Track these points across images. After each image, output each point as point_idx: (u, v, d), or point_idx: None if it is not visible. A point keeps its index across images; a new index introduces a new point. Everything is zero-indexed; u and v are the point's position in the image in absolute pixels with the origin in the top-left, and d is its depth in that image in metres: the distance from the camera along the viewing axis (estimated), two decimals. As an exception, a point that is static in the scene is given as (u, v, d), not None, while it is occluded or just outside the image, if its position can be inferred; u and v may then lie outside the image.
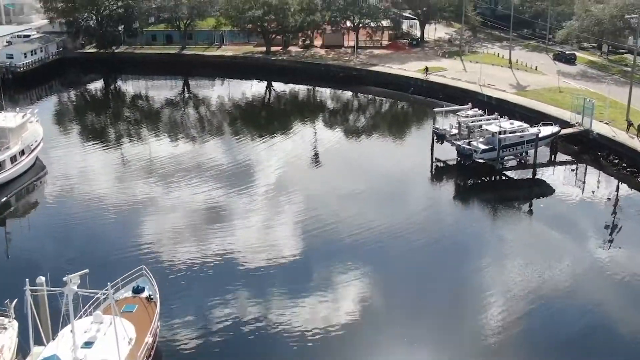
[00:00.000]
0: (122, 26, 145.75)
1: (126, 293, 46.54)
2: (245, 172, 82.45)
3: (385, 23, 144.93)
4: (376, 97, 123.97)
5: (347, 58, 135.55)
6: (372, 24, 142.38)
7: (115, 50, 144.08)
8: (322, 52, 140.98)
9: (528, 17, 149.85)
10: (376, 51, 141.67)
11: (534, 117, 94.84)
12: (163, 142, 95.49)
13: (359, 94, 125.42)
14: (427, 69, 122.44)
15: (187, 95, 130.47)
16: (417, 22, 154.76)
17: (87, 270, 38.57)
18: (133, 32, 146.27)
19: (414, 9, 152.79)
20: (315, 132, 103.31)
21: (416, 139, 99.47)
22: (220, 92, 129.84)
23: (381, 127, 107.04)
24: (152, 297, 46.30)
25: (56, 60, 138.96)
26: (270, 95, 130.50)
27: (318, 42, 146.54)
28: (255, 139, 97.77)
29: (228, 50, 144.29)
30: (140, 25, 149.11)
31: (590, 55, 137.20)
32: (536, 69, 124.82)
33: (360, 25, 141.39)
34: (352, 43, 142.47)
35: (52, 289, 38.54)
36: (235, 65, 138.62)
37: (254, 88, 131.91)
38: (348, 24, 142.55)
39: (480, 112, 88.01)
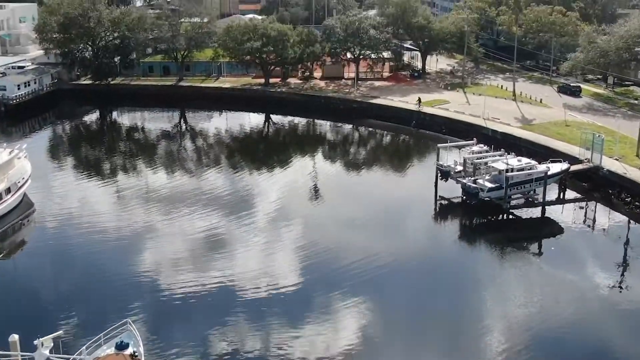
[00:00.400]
0: (118, 57, 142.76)
1: (109, 349, 43.07)
2: (242, 206, 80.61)
3: (386, 54, 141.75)
4: (377, 130, 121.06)
5: (347, 90, 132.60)
6: (372, 56, 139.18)
7: (111, 82, 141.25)
8: (322, 84, 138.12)
9: (531, 49, 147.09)
10: (377, 83, 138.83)
11: (541, 153, 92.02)
12: (159, 176, 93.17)
13: (359, 127, 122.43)
14: (419, 100, 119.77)
15: (184, 127, 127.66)
16: (419, 53, 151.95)
17: (60, 332, 35.17)
18: (129, 64, 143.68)
19: (415, 40, 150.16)
20: (315, 166, 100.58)
21: (419, 174, 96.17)
22: (218, 124, 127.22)
23: (382, 161, 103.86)
24: (136, 354, 42.86)
25: (51, 92, 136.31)
26: (269, 127, 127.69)
27: (318, 73, 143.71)
28: (254, 172, 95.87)
29: (226, 82, 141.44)
30: (138, 56, 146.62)
31: (596, 88, 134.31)
32: (541, 102, 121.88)
33: (361, 56, 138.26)
34: (352, 75, 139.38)
35: (22, 354, 34.93)
36: (233, 97, 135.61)
37: (253, 120, 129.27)
38: (348, 55, 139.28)
39: (485, 148, 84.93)
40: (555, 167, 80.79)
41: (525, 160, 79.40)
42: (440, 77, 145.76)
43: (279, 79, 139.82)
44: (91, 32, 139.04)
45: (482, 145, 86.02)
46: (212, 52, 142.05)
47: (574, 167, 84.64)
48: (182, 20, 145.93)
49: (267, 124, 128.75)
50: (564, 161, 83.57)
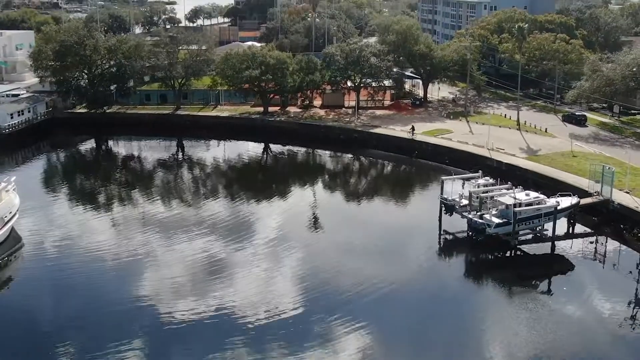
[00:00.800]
0: (115, 85, 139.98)
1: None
2: (241, 234, 79.52)
3: (387, 82, 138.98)
4: (378, 160, 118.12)
5: (347, 119, 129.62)
6: (373, 84, 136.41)
7: (107, 111, 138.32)
8: (322, 112, 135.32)
9: (534, 77, 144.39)
10: (378, 112, 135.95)
11: (549, 185, 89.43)
12: (155, 206, 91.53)
13: (360, 157, 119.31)
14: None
15: (181, 156, 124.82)
16: (420, 81, 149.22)
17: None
18: (126, 92, 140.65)
19: (416, 68, 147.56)
20: (315, 196, 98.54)
21: (422, 207, 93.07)
22: (216, 153, 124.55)
23: (383, 193, 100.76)
24: None
25: (45, 120, 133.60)
26: (267, 157, 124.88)
27: (318, 102, 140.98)
28: (252, 202, 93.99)
29: (224, 111, 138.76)
30: (135, 84, 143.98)
31: (601, 117, 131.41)
32: (546, 131, 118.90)
33: (362, 85, 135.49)
34: (352, 103, 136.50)
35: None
36: (231, 126, 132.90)
37: (251, 150, 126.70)
38: (349, 83, 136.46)
39: (492, 181, 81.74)
40: (565, 202, 77.59)
41: (533, 195, 76.25)
42: (442, 106, 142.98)
43: (278, 108, 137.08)
44: (87, 60, 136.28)
45: (488, 177, 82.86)
46: (210, 80, 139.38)
47: (583, 201, 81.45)
48: (180, 48, 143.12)
49: (266, 153, 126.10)
50: (573, 195, 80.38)
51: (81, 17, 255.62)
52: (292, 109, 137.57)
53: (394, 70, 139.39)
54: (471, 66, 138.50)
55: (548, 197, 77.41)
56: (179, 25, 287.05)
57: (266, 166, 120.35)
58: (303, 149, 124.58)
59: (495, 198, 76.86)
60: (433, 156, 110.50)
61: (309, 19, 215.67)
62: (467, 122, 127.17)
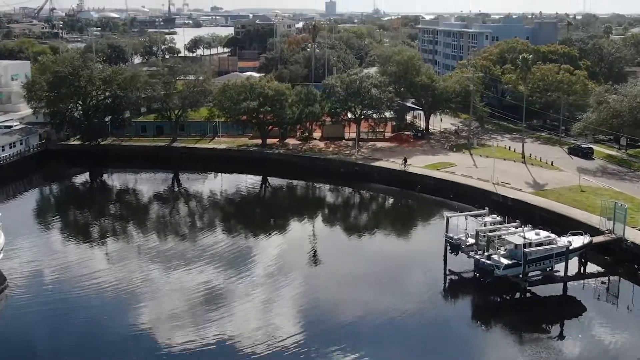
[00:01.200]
0: (110, 117, 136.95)
1: None
2: (238, 269, 77.62)
3: (388, 114, 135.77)
4: (380, 194, 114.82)
5: (347, 152, 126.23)
6: (374, 115, 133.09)
7: (102, 143, 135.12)
8: (322, 144, 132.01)
9: (538, 108, 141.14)
10: (379, 144, 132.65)
11: (557, 222, 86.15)
12: (151, 241, 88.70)
13: (361, 191, 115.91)
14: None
15: (177, 189, 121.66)
16: (422, 112, 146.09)
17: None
18: (121, 123, 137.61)
19: (418, 99, 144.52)
20: (314, 231, 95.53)
21: (425, 245, 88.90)
22: (213, 186, 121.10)
23: (385, 229, 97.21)
24: None
25: (38, 152, 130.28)
26: (266, 190, 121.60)
27: (317, 133, 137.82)
28: (250, 236, 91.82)
29: (221, 143, 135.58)
30: (131, 115, 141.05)
31: (608, 149, 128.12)
32: (552, 165, 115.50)
33: (362, 116, 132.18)
34: (353, 135, 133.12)
35: None
36: (229, 158, 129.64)
37: (249, 183, 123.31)
38: (349, 115, 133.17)
39: (499, 218, 78.06)
40: (577, 241, 73.79)
41: (544, 234, 72.48)
42: (444, 138, 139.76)
43: (276, 140, 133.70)
44: (81, 91, 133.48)
45: (495, 215, 79.18)
46: (207, 111, 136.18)
47: (595, 239, 77.61)
48: (177, 78, 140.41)
49: (264, 186, 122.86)
50: (585, 233, 76.57)
51: (80, 47, 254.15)
52: (291, 141, 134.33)
53: (396, 101, 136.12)
54: (474, 97, 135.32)
55: (559, 236, 73.56)
56: (178, 55, 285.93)
57: (264, 200, 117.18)
58: (302, 182, 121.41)
59: (503, 237, 72.99)
60: (436, 191, 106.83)
61: (308, 49, 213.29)
62: (471, 154, 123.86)
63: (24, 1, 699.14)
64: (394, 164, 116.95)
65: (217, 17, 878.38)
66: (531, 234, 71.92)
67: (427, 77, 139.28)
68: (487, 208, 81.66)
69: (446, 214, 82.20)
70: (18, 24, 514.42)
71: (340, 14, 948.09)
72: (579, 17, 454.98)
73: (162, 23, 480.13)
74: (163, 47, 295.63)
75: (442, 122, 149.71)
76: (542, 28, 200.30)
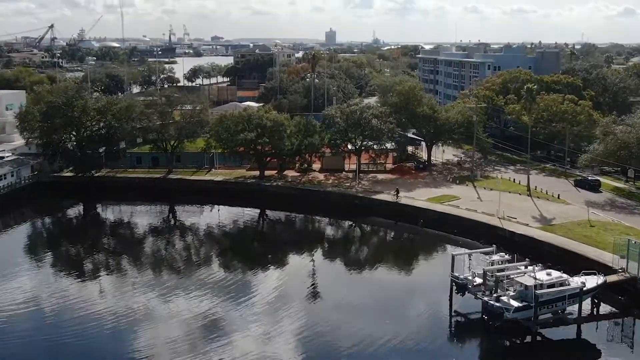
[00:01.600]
0: (104, 148, 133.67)
1: None
2: (235, 303, 75.65)
3: (389, 145, 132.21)
4: (381, 229, 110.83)
5: (348, 184, 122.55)
6: (375, 147, 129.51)
7: (95, 174, 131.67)
8: (321, 176, 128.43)
9: (542, 139, 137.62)
10: (380, 176, 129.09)
11: (567, 259, 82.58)
12: (145, 275, 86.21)
13: (362, 225, 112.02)
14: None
15: (173, 222, 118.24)
16: (424, 143, 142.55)
17: None
18: (115, 154, 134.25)
19: (419, 130, 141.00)
20: (313, 266, 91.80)
21: (429, 283, 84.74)
22: (210, 219, 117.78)
23: (386, 266, 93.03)
24: None
25: (29, 184, 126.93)
26: (263, 223, 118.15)
27: (317, 165, 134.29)
28: (247, 271, 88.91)
29: (218, 175, 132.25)
30: (126, 146, 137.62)
31: (615, 181, 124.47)
32: (559, 198, 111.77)
33: (363, 148, 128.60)
34: (353, 166, 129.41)
35: None
36: (225, 190, 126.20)
37: (247, 216, 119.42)
38: (349, 146, 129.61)
39: (507, 257, 74.09)
40: (590, 281, 69.79)
41: (555, 274, 68.48)
42: (447, 169, 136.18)
43: (275, 172, 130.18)
44: (75, 122, 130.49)
45: (503, 253, 75.19)
46: (204, 142, 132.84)
47: (608, 279, 73.49)
48: (174, 108, 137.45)
49: (262, 219, 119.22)
50: (599, 273, 72.48)
51: (78, 77, 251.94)
52: (289, 173, 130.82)
53: (397, 132, 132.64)
54: (477, 128, 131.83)
55: (571, 276, 69.58)
56: (178, 84, 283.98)
57: (262, 233, 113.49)
58: (301, 216, 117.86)
59: (512, 278, 68.98)
60: (440, 225, 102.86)
61: (308, 79, 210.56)
62: (475, 187, 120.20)
63: (26, 31, 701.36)
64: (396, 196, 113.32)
65: (218, 47, 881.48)
66: (542, 274, 67.88)
67: (429, 107, 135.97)
68: (494, 245, 77.82)
69: (452, 252, 78.36)
70: (18, 53, 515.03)
71: (340, 44, 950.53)
72: (578, 47, 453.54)
73: (160, 52, 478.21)
74: (162, 76, 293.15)
75: (444, 153, 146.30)
76: (544, 58, 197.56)
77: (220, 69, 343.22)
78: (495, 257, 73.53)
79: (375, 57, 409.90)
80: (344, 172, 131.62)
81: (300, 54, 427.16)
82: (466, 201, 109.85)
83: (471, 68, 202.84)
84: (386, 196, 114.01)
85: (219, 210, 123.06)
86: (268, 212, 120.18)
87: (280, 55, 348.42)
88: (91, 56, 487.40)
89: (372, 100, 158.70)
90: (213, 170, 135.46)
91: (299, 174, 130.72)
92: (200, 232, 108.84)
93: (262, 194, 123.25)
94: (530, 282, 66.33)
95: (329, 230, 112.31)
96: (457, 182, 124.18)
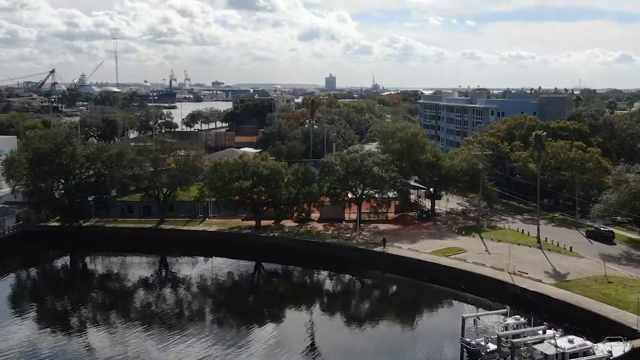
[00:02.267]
0: (93, 196, 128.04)
1: None
2: None
3: (391, 194, 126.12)
4: (383, 283, 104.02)
5: (348, 235, 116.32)
6: (376, 195, 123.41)
7: (84, 224, 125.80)
8: (320, 227, 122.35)
9: (550, 187, 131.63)
10: (382, 226, 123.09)
11: (586, 320, 76.07)
12: (135, 331, 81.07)
13: (363, 280, 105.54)
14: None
15: (164, 275, 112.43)
16: (427, 192, 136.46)
17: None
18: (105, 203, 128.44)
19: (423, 177, 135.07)
20: (311, 324, 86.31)
21: (436, 348, 77.34)
22: (203, 272, 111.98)
23: (389, 327, 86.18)
24: None
25: (14, 234, 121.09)
26: (259, 277, 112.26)
27: (315, 214, 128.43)
28: (242, 327, 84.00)
29: (212, 224, 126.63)
30: (117, 194, 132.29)
31: (628, 232, 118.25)
32: (571, 250, 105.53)
33: (364, 197, 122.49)
34: (354, 216, 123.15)
35: None
36: (220, 241, 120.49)
37: (242, 268, 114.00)
38: (349, 195, 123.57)
39: (523, 320, 67.58)
40: (617, 349, 63.33)
41: (578, 341, 62.16)
42: (452, 219, 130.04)
43: (271, 221, 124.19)
44: (63, 169, 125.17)
45: (518, 316, 68.55)
46: (198, 191, 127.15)
47: (635, 344, 66.79)
48: (167, 155, 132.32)
49: (257, 272, 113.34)
50: (625, 339, 65.78)
51: (74, 121, 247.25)
52: (287, 223, 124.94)
53: (399, 180, 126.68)
54: (483, 176, 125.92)
55: (595, 342, 62.94)
56: (175, 130, 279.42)
57: (258, 287, 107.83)
58: (298, 268, 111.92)
59: (530, 345, 62.32)
60: (446, 280, 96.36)
61: (307, 125, 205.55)
62: (482, 238, 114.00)
63: (29, 76, 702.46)
64: (399, 249, 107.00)
65: (218, 92, 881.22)
66: (564, 342, 61.47)
67: (432, 154, 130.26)
68: (507, 307, 71.18)
69: (462, 313, 71.74)
70: (18, 98, 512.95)
71: (340, 89, 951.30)
72: (577, 92, 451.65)
73: (156, 97, 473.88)
74: (159, 121, 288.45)
75: (448, 202, 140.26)
76: (549, 103, 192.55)
77: (219, 114, 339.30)
78: (510, 321, 67.02)
79: (375, 103, 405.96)
80: (344, 222, 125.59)
81: (299, 99, 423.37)
82: (473, 254, 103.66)
83: (474, 114, 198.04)
84: (389, 248, 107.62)
85: (212, 262, 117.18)
86: (264, 264, 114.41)
87: (279, 101, 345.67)
88: (91, 101, 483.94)
89: (372, 147, 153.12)
90: (207, 219, 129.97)
91: (296, 224, 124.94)
92: (193, 285, 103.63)
93: (258, 245, 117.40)
94: (551, 350, 59.85)
95: (328, 284, 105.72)
96: (463, 232, 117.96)
